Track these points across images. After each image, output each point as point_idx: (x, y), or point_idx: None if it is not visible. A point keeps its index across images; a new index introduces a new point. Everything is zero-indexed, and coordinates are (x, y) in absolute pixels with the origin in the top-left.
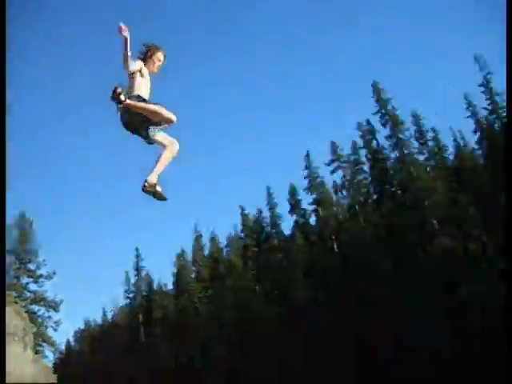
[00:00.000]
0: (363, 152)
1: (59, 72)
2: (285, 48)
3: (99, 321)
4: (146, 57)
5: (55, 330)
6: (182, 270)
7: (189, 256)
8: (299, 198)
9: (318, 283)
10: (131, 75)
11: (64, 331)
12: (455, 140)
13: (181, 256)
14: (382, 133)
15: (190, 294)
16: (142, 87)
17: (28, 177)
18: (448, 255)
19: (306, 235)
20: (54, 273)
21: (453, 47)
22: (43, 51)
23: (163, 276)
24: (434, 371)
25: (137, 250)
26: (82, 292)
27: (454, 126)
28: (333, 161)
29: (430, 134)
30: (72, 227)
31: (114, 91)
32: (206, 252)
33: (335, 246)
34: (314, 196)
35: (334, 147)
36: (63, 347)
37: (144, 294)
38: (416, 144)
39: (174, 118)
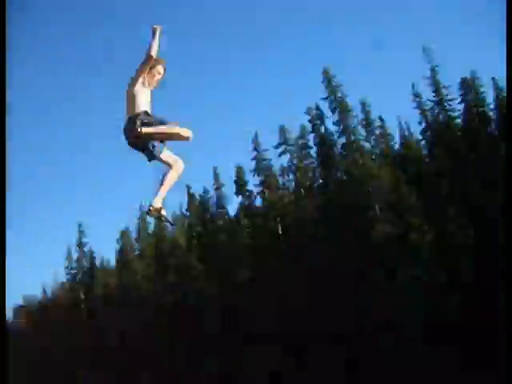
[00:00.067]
0: (311, 137)
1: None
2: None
3: (39, 297)
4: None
5: None
6: (125, 247)
7: (133, 233)
8: (246, 179)
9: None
10: (134, 85)
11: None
12: (401, 129)
13: (124, 233)
14: (331, 118)
15: (133, 271)
16: (144, 100)
17: None
18: (389, 242)
19: (251, 217)
20: None
21: (406, 36)
22: (30, 51)
23: (106, 253)
24: None
25: (79, 225)
26: (21, 268)
27: (401, 115)
28: (280, 144)
29: (377, 123)
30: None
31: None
32: (151, 230)
33: (279, 229)
34: (260, 178)
35: (282, 130)
36: None
37: (86, 270)
38: (363, 131)
39: (190, 134)
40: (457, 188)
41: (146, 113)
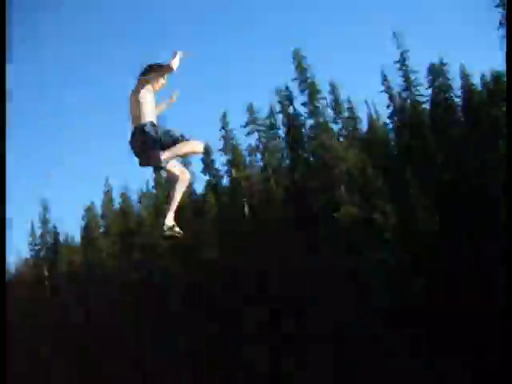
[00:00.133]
0: (280, 117)
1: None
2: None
3: None
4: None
5: None
6: (90, 224)
7: (98, 210)
8: (213, 158)
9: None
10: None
11: None
12: (369, 112)
13: (89, 209)
14: (300, 99)
15: (98, 248)
16: (150, 107)
17: None
18: (354, 224)
19: (218, 196)
20: None
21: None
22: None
23: (71, 229)
24: None
25: (43, 200)
26: None
27: (370, 98)
28: (248, 123)
29: (345, 105)
30: None
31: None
32: (117, 207)
33: (246, 209)
34: (227, 157)
35: (250, 109)
36: None
37: (50, 246)
38: (331, 113)
39: (201, 148)
40: (423, 173)
41: (152, 123)
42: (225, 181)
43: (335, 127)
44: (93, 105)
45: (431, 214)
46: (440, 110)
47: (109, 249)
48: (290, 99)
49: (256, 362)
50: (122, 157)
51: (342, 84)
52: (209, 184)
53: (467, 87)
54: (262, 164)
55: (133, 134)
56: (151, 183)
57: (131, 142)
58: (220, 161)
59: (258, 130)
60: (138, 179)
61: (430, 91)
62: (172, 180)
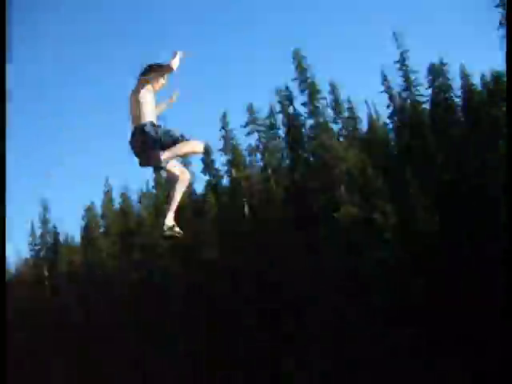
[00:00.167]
0: (280, 117)
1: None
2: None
3: None
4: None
5: None
6: (90, 224)
7: (98, 210)
8: (213, 158)
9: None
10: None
11: None
12: (369, 112)
13: (89, 209)
14: (300, 99)
15: (98, 248)
16: (150, 107)
17: None
18: (354, 224)
19: (218, 196)
20: None
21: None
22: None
23: (71, 229)
24: None
25: (43, 200)
26: None
27: (370, 98)
28: (248, 123)
29: (345, 105)
30: None
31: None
32: (117, 207)
33: (246, 209)
34: (227, 157)
35: (250, 109)
36: None
37: (50, 246)
38: (331, 113)
39: (201, 148)
40: (423, 173)
41: (152, 123)
42: (225, 181)
43: (335, 127)
44: (93, 105)
45: (431, 214)
46: (440, 110)
47: (109, 249)
48: (289, 99)
49: (256, 362)
50: (122, 157)
51: (342, 84)
52: (209, 184)
53: (467, 87)
54: (262, 164)
55: (133, 134)
56: (151, 183)
57: (131, 142)
58: (220, 161)
59: (258, 130)
60: (138, 179)
61: (429, 91)
62: (172, 180)
